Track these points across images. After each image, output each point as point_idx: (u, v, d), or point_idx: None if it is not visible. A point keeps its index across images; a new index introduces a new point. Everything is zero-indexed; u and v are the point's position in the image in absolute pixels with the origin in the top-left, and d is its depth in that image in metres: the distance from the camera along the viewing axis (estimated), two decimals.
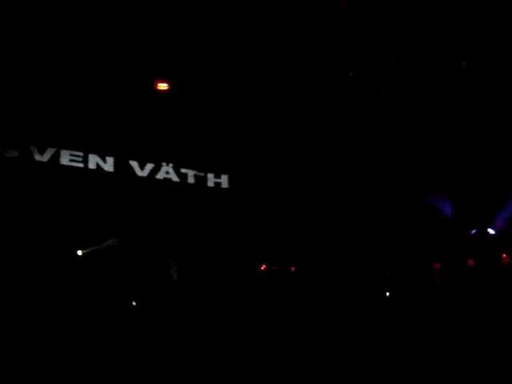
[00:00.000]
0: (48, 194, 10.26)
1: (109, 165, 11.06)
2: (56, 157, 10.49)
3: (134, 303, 10.92)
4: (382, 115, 11.36)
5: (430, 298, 11.64)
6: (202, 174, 11.79)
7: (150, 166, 11.42)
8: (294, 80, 10.35)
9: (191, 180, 11.74)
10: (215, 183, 11.78)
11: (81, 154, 10.65)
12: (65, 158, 10.50)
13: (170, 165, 11.58)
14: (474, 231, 11.59)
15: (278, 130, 11.34)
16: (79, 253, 10.86)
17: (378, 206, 12.02)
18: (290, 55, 9.75)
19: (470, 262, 10.79)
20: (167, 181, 11.55)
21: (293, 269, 12.34)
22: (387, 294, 11.70)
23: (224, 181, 11.75)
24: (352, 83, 10.29)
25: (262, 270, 12.20)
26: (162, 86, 10.36)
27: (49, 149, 10.46)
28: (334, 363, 9.29)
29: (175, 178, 11.67)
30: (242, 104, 10.78)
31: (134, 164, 11.29)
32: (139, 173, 11.31)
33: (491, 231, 11.47)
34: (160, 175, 11.53)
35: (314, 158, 11.91)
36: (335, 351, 9.66)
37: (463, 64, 10.13)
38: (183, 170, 11.67)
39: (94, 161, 10.95)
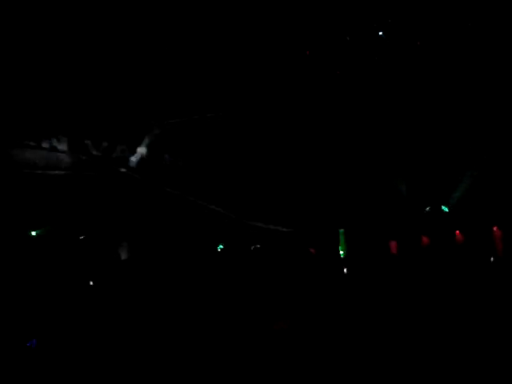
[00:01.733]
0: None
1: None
2: None
3: (91, 283, 10.79)
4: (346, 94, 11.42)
5: (386, 274, 11.74)
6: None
7: (104, 145, 11.28)
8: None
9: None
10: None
11: None
12: None
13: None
14: (428, 209, 11.71)
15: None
16: (33, 233, 10.67)
17: (336, 183, 12.07)
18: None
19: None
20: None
21: None
22: (345, 270, 11.77)
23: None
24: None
25: None
26: None
27: None
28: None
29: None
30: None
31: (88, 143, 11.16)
32: (93, 151, 11.19)
33: (445, 209, 11.61)
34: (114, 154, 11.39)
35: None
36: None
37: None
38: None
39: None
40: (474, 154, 11.52)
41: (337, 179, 11.98)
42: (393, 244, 11.88)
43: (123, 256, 11.72)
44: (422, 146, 11.56)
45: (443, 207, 11.60)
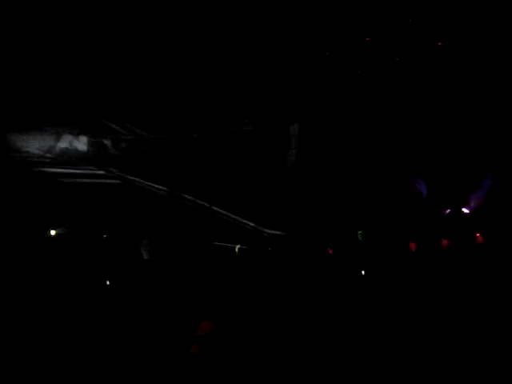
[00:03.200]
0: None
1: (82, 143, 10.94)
2: None
3: (107, 282, 10.80)
4: (360, 95, 11.34)
5: (406, 276, 11.66)
6: None
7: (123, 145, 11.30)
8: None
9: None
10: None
11: None
12: None
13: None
14: (448, 211, 11.60)
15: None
16: (52, 232, 10.70)
17: (353, 184, 11.99)
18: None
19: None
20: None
21: None
22: (363, 272, 11.70)
23: None
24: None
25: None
26: None
27: None
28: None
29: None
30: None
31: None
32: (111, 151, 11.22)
33: (465, 210, 11.49)
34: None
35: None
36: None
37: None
38: None
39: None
40: (495, 155, 11.38)
41: (356, 180, 11.87)
42: (412, 245, 11.78)
43: (145, 255, 11.71)
44: (443, 147, 11.44)
45: (464, 209, 11.46)
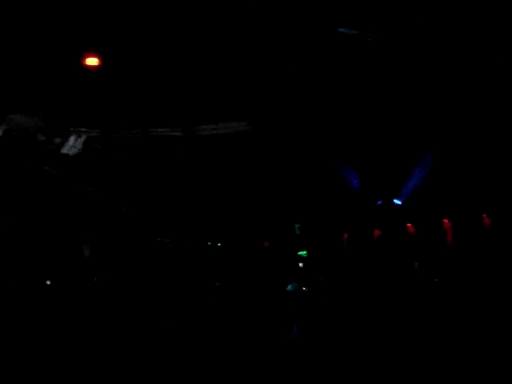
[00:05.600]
0: None
1: None
2: None
3: (48, 282, 11.20)
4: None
5: (340, 265, 12.12)
6: None
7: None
8: None
9: None
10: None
11: None
12: None
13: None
14: (380, 202, 11.74)
15: None
16: None
17: (288, 179, 12.02)
18: None
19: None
20: None
21: None
22: (300, 265, 12.13)
23: None
24: None
25: None
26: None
27: None
28: None
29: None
30: None
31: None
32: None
33: (397, 202, 11.63)
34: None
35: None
36: None
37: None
38: None
39: None
40: (425, 146, 11.28)
41: (290, 174, 11.89)
42: (345, 236, 12.11)
43: (86, 253, 12.10)
44: (374, 139, 11.30)
45: (395, 200, 11.60)
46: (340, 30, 9.43)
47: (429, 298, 10.39)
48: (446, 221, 11.62)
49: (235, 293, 11.48)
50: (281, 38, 10.03)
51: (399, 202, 11.74)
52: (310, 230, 12.21)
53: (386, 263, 11.74)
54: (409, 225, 11.82)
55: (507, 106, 9.91)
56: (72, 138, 11.01)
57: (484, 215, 11.09)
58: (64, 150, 11.03)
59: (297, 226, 11.98)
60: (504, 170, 10.47)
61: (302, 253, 11.80)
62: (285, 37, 10.03)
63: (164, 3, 9.63)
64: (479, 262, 10.78)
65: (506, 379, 6.80)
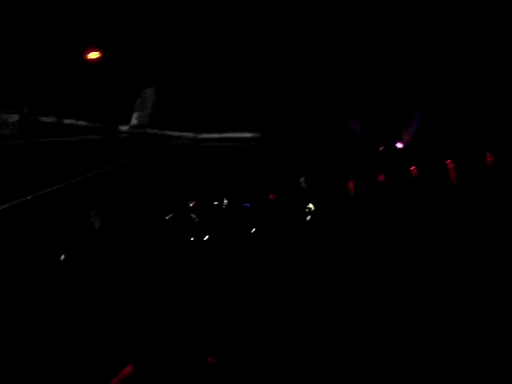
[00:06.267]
0: None
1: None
2: None
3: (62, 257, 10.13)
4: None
5: (346, 214, 11.62)
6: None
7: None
8: None
9: None
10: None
11: None
12: None
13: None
14: (382, 147, 11.75)
15: None
16: None
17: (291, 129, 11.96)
18: None
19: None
20: None
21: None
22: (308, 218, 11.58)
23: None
24: None
25: None
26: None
27: None
28: None
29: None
30: None
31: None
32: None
33: (399, 145, 11.67)
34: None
35: None
36: None
37: None
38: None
39: None
40: (425, 90, 11.68)
41: (293, 125, 11.85)
42: (351, 184, 11.81)
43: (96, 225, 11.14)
44: (374, 83, 11.63)
45: (398, 144, 11.65)
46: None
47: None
48: (449, 162, 11.75)
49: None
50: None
51: (401, 146, 11.88)
52: (315, 181, 11.95)
53: (392, 209, 11.50)
54: (412, 168, 11.82)
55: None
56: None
57: (487, 154, 11.36)
58: None
59: (301, 179, 11.74)
60: (505, 109, 11.04)
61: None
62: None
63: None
64: (484, 202, 10.81)
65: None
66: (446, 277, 8.15)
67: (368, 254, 9.97)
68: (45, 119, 11.21)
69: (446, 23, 10.86)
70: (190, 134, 11.59)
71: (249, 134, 11.63)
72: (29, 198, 10.81)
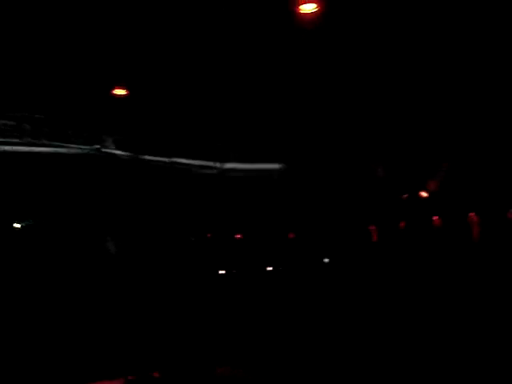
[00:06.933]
0: None
1: None
2: None
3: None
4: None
5: (367, 259, 11.61)
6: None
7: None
8: None
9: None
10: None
11: None
12: None
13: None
14: (406, 195, 11.75)
15: None
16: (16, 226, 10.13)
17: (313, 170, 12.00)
18: None
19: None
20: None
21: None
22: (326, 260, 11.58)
23: None
24: None
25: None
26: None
27: None
28: None
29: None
30: None
31: None
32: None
33: (424, 194, 11.67)
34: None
35: None
36: None
37: None
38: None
39: None
40: (451, 140, 11.69)
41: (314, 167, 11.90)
42: (372, 229, 11.80)
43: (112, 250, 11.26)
44: (400, 130, 11.65)
45: (422, 192, 11.64)
46: None
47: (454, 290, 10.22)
48: (472, 214, 11.74)
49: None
50: None
51: (426, 195, 11.88)
52: (336, 224, 11.96)
53: (412, 255, 11.50)
54: (435, 217, 11.82)
55: None
56: None
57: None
58: None
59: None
60: None
61: None
62: None
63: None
64: (504, 258, 10.80)
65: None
66: (462, 327, 8.12)
67: (384, 297, 9.95)
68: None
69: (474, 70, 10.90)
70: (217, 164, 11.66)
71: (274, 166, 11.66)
72: None
